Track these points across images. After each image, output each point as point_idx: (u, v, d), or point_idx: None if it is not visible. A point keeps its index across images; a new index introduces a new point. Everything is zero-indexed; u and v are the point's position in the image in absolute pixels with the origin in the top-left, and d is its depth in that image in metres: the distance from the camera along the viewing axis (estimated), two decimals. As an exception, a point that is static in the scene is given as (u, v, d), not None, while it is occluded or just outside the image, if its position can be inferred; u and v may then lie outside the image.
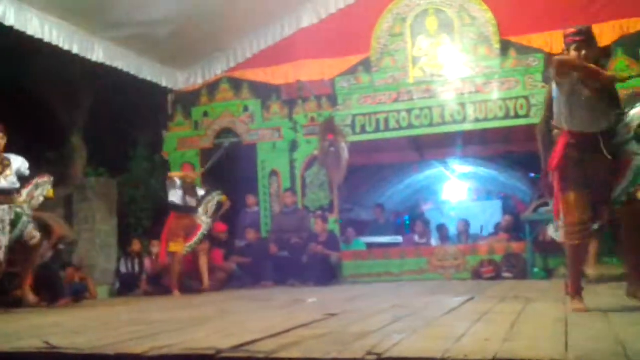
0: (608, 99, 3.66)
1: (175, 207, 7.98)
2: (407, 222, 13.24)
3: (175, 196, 7.97)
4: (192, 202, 8.04)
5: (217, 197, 8.31)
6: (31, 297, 6.13)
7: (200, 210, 8.09)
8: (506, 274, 8.05)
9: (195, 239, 7.96)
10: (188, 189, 8.04)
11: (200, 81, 10.06)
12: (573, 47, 3.66)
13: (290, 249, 8.74)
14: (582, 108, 3.58)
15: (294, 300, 5.70)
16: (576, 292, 3.81)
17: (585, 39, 3.68)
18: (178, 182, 8.01)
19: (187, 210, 7.98)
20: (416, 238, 9.90)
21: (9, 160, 6.00)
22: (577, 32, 3.71)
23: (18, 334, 3.64)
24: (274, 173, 9.59)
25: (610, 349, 2.37)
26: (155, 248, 8.43)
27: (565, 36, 3.81)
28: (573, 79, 3.54)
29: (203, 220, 8.08)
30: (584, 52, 3.61)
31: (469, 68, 8.85)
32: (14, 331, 3.83)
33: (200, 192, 8.24)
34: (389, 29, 9.20)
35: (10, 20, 7.04)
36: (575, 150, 3.62)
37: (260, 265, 8.86)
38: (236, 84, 9.90)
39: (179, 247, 7.81)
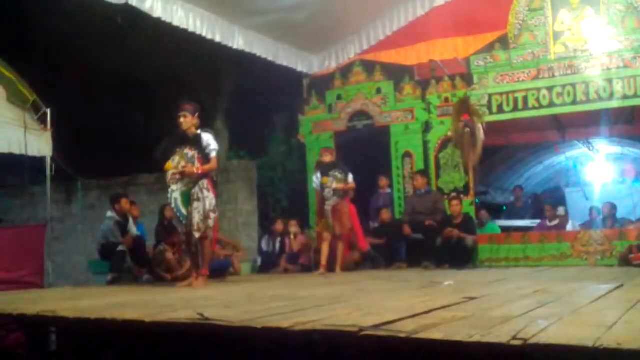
0: None
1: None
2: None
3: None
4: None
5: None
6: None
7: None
8: (659, 261, 7.51)
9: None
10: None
11: (334, 65, 10.23)
12: None
13: (424, 231, 8.68)
14: None
15: (430, 282, 5.68)
16: None
17: None
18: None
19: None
20: (547, 222, 9.46)
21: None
22: None
23: (172, 306, 3.85)
24: (407, 154, 9.55)
25: None
26: (294, 228, 8.73)
27: None
28: None
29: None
30: None
31: (616, 41, 8.28)
32: (168, 303, 4.06)
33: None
34: (527, 4, 8.81)
35: (158, 12, 7.45)
36: None
37: (394, 247, 8.90)
38: (369, 66, 9.92)
39: None
